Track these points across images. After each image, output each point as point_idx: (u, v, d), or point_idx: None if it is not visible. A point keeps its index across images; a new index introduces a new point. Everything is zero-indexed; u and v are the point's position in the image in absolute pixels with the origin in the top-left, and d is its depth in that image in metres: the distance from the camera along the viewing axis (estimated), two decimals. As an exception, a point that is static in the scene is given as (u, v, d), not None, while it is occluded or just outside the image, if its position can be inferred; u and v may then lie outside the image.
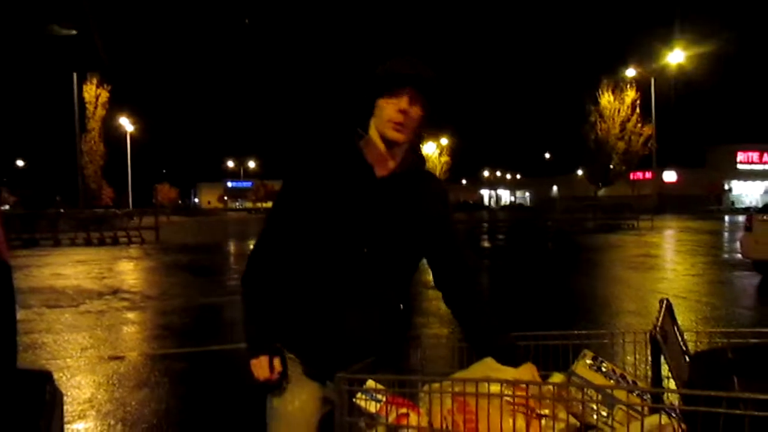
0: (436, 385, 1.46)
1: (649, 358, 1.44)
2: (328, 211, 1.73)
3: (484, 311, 1.82)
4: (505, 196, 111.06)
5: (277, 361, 1.73)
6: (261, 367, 1.72)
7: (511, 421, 1.33)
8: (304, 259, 1.76)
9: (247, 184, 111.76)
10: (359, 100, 1.79)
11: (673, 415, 1.26)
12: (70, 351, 5.93)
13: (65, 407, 4.13)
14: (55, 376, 4.92)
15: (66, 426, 3.82)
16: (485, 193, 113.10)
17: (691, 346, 1.63)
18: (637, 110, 45.19)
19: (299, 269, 1.77)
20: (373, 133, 1.78)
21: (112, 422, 3.96)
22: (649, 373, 1.48)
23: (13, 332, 1.87)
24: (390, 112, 1.70)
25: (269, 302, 1.79)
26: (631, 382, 1.48)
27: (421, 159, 1.86)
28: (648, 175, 54.20)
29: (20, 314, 7.69)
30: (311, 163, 1.78)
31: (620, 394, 1.34)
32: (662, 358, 1.34)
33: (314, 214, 1.73)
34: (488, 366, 1.60)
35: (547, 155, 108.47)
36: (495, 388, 1.37)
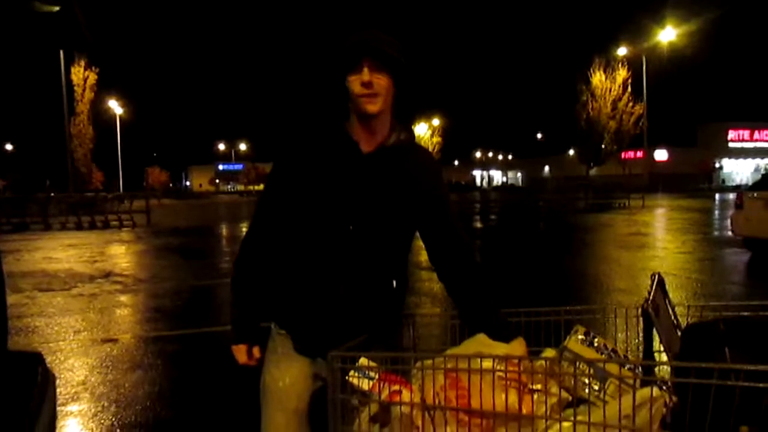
0: (429, 362, 1.46)
1: (641, 333, 1.45)
2: (314, 190, 1.73)
3: (479, 287, 1.80)
4: (497, 176, 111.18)
5: (256, 350, 1.82)
6: (241, 353, 1.81)
7: (503, 396, 1.33)
8: (295, 238, 1.77)
9: (238, 166, 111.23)
10: (330, 83, 1.77)
11: (665, 387, 1.27)
12: (62, 334, 5.92)
13: (59, 390, 4.13)
14: (49, 359, 4.90)
15: (60, 408, 3.82)
16: (477, 174, 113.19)
17: (682, 320, 1.64)
18: (629, 89, 45.18)
19: (291, 248, 1.78)
20: (352, 117, 1.76)
21: (106, 404, 3.97)
22: (641, 347, 1.49)
23: (3, 314, 1.85)
24: (355, 88, 1.68)
25: (257, 287, 1.83)
26: (623, 356, 1.48)
27: (410, 133, 1.83)
28: (639, 154, 54.34)
29: (12, 298, 7.69)
30: (299, 143, 1.79)
31: (612, 368, 1.34)
32: (654, 331, 1.34)
33: (302, 193, 1.73)
34: (480, 342, 1.60)
35: (539, 135, 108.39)
36: (487, 363, 1.37)
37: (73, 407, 3.93)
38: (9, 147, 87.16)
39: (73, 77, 39.35)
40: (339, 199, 1.72)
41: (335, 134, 1.76)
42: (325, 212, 1.73)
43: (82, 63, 39.94)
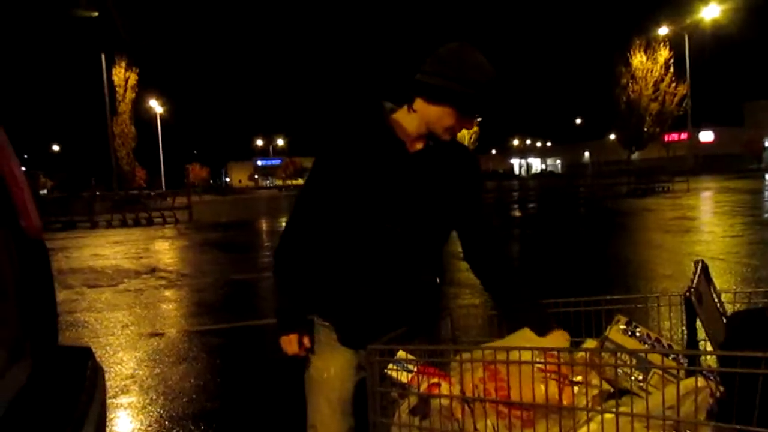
0: (467, 355, 1.46)
1: (685, 321, 1.42)
2: (359, 187, 1.73)
3: (514, 281, 1.80)
4: (536, 164, 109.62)
5: (306, 339, 1.81)
6: (290, 344, 1.81)
7: (543, 387, 1.32)
8: (338, 234, 1.78)
9: (276, 161, 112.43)
10: (416, 83, 1.71)
11: (711, 377, 1.24)
12: (111, 329, 6.10)
13: (109, 383, 4.27)
14: (98, 353, 5.06)
15: (110, 400, 3.95)
16: (515, 162, 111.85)
17: (729, 307, 1.59)
18: (671, 69, 43.85)
19: (333, 243, 1.79)
20: (417, 116, 1.73)
21: (154, 396, 4.08)
22: (685, 337, 1.45)
23: (53, 309, 1.92)
24: (452, 123, 1.70)
25: (301, 277, 1.82)
26: (667, 346, 1.45)
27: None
28: (683, 136, 52.85)
29: (62, 294, 7.96)
30: (343, 139, 1.78)
31: (655, 358, 1.31)
32: (697, 320, 1.31)
33: (346, 190, 1.74)
34: (523, 337, 1.60)
35: (578, 120, 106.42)
36: (526, 355, 1.36)
37: (122, 399, 4.05)
38: (56, 148, 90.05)
39: (115, 78, 40.33)
40: (384, 197, 1.73)
41: (381, 132, 1.76)
42: (370, 210, 1.74)
43: (123, 64, 40.88)
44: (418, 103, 1.72)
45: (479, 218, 1.87)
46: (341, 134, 1.79)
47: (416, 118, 1.73)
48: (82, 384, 1.72)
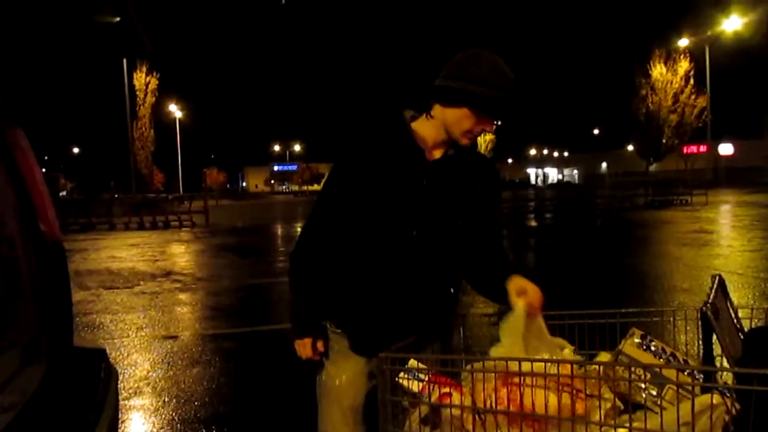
0: (479, 365, 1.45)
1: (701, 337, 1.40)
2: (378, 194, 1.73)
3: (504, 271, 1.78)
4: (553, 174, 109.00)
5: (320, 343, 1.80)
6: (305, 348, 1.80)
7: (555, 399, 1.30)
8: (355, 239, 1.78)
9: (293, 167, 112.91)
10: (433, 88, 1.73)
11: (726, 394, 1.22)
12: (126, 331, 6.15)
13: (122, 384, 4.30)
14: (113, 354, 5.09)
15: (123, 402, 3.97)
16: (531, 171, 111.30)
17: (746, 323, 1.57)
18: (691, 81, 43.44)
19: (350, 248, 1.79)
20: (435, 121, 1.74)
21: (167, 399, 4.10)
22: (701, 352, 1.43)
23: (69, 311, 1.94)
24: (471, 126, 1.70)
25: (317, 280, 1.81)
26: (682, 361, 1.43)
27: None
28: (702, 148, 52.19)
29: (79, 295, 8.03)
30: (364, 146, 1.78)
31: (670, 373, 1.30)
32: (714, 335, 1.29)
33: (365, 196, 1.74)
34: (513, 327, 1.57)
35: (596, 131, 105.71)
36: (539, 367, 1.35)
37: (135, 401, 4.07)
38: (76, 150, 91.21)
39: (136, 83, 40.86)
40: (403, 205, 1.73)
41: (401, 140, 1.76)
42: (389, 217, 1.74)
43: (144, 69, 41.41)
44: (436, 109, 1.73)
45: (493, 226, 1.88)
46: (362, 141, 1.79)
47: (435, 124, 1.74)
48: (96, 385, 1.74)
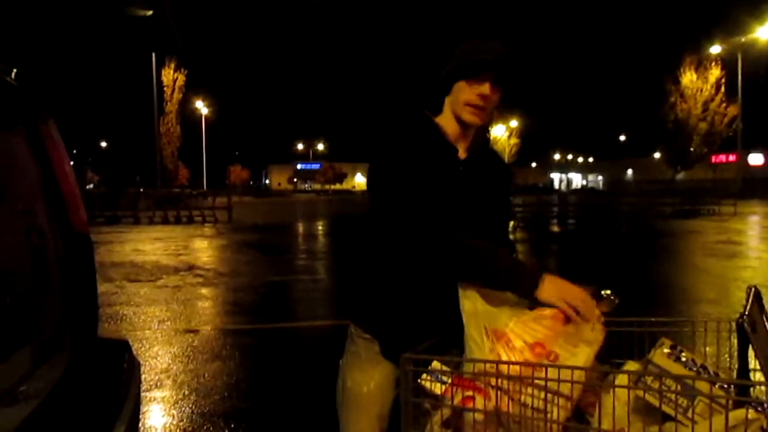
0: (504, 367, 1.43)
1: (733, 349, 1.36)
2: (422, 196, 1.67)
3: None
4: (576, 179, 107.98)
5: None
6: (579, 293, 1.55)
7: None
8: (390, 241, 1.71)
9: (316, 165, 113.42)
10: (436, 82, 1.75)
11: (760, 409, 1.18)
12: (148, 323, 6.21)
13: (143, 376, 4.34)
14: (135, 346, 5.13)
15: (144, 394, 4.01)
16: (555, 176, 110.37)
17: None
18: (722, 89, 42.69)
19: (384, 250, 1.75)
20: (446, 115, 1.75)
21: (186, 392, 4.13)
22: (733, 364, 1.39)
23: (95, 302, 1.96)
24: (469, 96, 1.67)
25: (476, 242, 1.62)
26: (713, 373, 1.39)
27: (487, 138, 1.85)
28: (731, 157, 51.32)
29: (103, 287, 8.15)
30: (402, 148, 1.70)
31: (702, 386, 1.26)
32: (749, 348, 1.25)
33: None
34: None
35: (622, 137, 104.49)
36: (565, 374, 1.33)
37: (156, 393, 4.11)
38: (103, 144, 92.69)
39: (164, 79, 41.41)
40: (441, 205, 1.67)
41: (435, 140, 1.74)
42: (427, 218, 1.67)
43: (172, 65, 41.95)
44: (445, 103, 1.74)
45: (504, 223, 1.93)
46: (401, 144, 1.72)
47: (448, 117, 1.74)
48: (120, 376, 1.75)
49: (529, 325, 1.49)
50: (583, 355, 1.43)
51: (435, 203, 1.63)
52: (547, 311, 1.52)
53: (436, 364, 1.47)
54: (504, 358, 1.43)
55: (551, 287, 1.53)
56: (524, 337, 1.46)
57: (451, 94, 1.71)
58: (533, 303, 1.55)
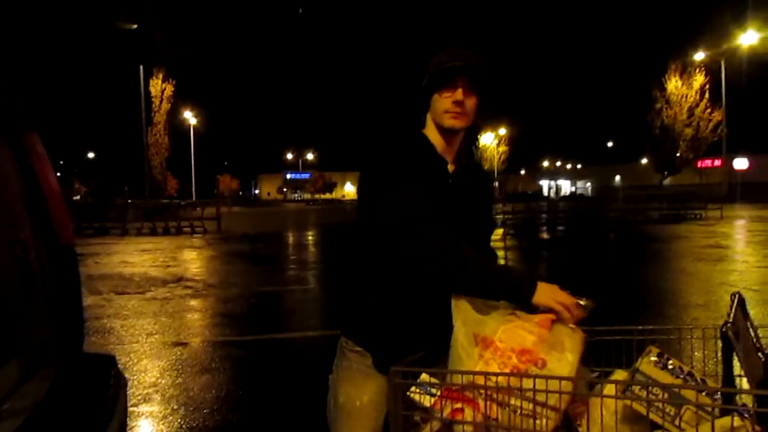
0: (493, 379, 1.43)
1: (720, 356, 1.36)
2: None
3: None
4: (566, 186, 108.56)
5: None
6: (558, 293, 1.58)
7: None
8: (382, 254, 1.72)
9: (306, 175, 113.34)
10: (414, 98, 1.80)
11: (747, 416, 1.19)
12: (136, 336, 6.16)
13: (131, 390, 4.30)
14: (122, 360, 5.09)
15: (131, 409, 3.97)
16: (544, 183, 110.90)
17: (765, 342, 1.54)
18: (707, 95, 43.20)
19: (376, 263, 1.75)
20: (431, 129, 1.79)
21: (175, 406, 4.09)
22: (720, 370, 1.40)
23: (80, 316, 1.94)
24: (445, 104, 1.72)
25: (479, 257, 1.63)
26: (700, 380, 1.40)
27: (472, 150, 1.89)
28: (717, 162, 51.80)
29: (90, 300, 8.07)
30: (397, 159, 1.72)
31: (689, 394, 1.27)
32: (734, 355, 1.26)
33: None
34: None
35: (610, 143, 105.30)
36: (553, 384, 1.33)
37: (144, 408, 4.07)
38: (91, 155, 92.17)
39: (152, 89, 41.28)
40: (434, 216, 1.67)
41: (425, 151, 1.77)
42: None
43: (160, 76, 41.81)
44: (428, 117, 1.79)
45: (489, 234, 1.95)
46: (394, 156, 1.73)
47: (432, 128, 1.79)
48: (105, 392, 1.73)
49: (516, 332, 1.49)
50: (568, 361, 1.44)
51: (432, 214, 1.64)
52: (536, 318, 1.53)
53: (425, 377, 1.47)
54: (493, 365, 1.43)
55: (546, 290, 1.57)
56: (512, 345, 1.46)
57: (430, 109, 1.77)
58: (525, 308, 1.56)
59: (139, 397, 4.25)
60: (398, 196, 1.64)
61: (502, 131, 72.49)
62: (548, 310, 1.54)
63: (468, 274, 1.57)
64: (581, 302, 1.58)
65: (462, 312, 1.56)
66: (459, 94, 1.69)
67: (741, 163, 59.85)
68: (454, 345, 1.53)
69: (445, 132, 1.76)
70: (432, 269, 1.60)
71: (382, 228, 1.66)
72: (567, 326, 1.52)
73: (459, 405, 1.40)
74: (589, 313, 1.58)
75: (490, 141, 72.00)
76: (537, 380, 1.31)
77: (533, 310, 1.56)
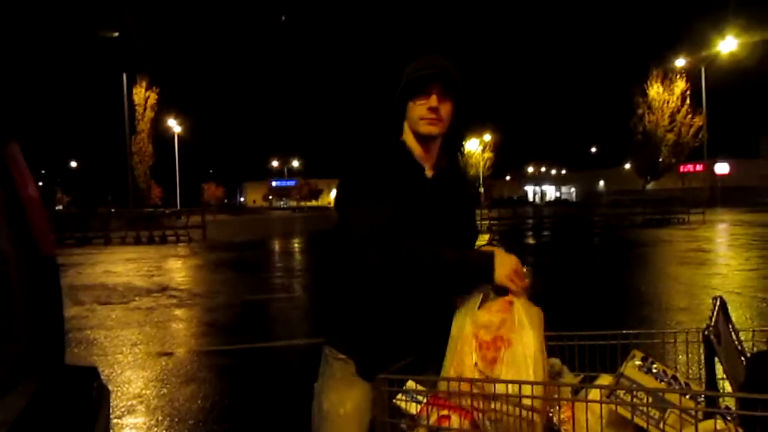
0: (478, 385, 1.43)
1: (702, 359, 1.38)
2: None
3: None
4: (550, 191, 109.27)
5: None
6: (510, 261, 1.60)
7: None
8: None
9: (292, 182, 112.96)
10: (390, 106, 1.82)
11: (730, 419, 1.20)
12: (120, 347, 6.09)
13: (115, 402, 4.25)
14: (106, 371, 5.03)
15: (115, 421, 3.92)
16: (530, 189, 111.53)
17: (747, 345, 1.55)
18: (687, 101, 43.77)
19: (360, 272, 1.74)
20: (408, 136, 1.82)
21: (160, 417, 4.04)
22: (703, 374, 1.41)
23: (61, 328, 1.91)
24: (420, 111, 1.74)
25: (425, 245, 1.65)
26: (684, 384, 1.41)
27: (455, 156, 1.93)
28: (699, 167, 52.45)
29: (73, 310, 7.98)
30: (369, 163, 1.76)
31: (672, 397, 1.27)
32: (717, 358, 1.27)
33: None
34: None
35: (594, 149, 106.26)
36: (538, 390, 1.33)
37: (128, 420, 4.02)
38: (74, 164, 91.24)
39: (135, 97, 40.93)
40: (410, 224, 1.70)
41: (401, 157, 1.79)
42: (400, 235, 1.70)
43: (144, 84, 41.51)
44: (405, 126, 1.81)
45: (473, 236, 1.95)
46: (365, 157, 1.78)
47: (409, 135, 1.81)
48: (88, 405, 1.70)
49: (483, 320, 1.51)
50: (530, 337, 1.45)
51: (398, 219, 1.65)
52: (494, 306, 1.54)
53: (411, 384, 1.47)
54: (479, 363, 1.44)
55: (502, 265, 1.59)
56: (486, 338, 1.47)
57: (407, 117, 1.79)
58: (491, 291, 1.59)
59: (123, 409, 4.19)
60: (359, 211, 1.67)
61: (487, 137, 72.84)
62: (505, 291, 1.56)
63: (425, 266, 1.61)
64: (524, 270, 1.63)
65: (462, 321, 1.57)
66: (433, 100, 1.72)
67: (722, 168, 60.75)
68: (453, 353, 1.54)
69: (422, 138, 1.78)
70: (390, 281, 1.65)
71: (344, 242, 1.72)
72: (523, 302, 1.53)
73: (446, 412, 1.40)
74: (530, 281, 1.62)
75: (476, 147, 72.34)
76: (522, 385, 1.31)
77: (500, 291, 1.58)
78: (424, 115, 1.73)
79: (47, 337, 1.80)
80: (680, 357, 1.65)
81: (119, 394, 4.48)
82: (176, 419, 4.00)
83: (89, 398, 1.75)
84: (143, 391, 4.61)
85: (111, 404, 2.09)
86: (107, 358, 5.58)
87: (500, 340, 1.45)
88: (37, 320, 1.78)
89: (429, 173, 1.81)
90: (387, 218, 1.64)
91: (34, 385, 1.71)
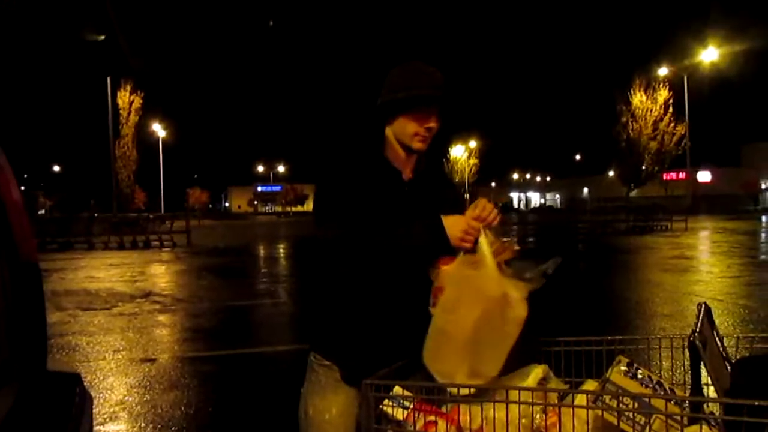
0: (465, 392, 1.43)
1: (687, 365, 1.39)
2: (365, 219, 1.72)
3: None
4: (535, 198, 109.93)
5: None
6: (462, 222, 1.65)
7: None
8: (342, 266, 1.76)
9: (277, 188, 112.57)
10: (376, 111, 1.81)
11: (715, 424, 1.21)
12: (102, 353, 6.02)
13: (97, 409, 4.19)
14: (88, 377, 4.98)
15: (98, 428, 3.86)
16: (514, 195, 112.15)
17: (731, 351, 1.57)
18: (670, 109, 44.29)
19: (337, 275, 1.78)
20: (388, 143, 1.82)
21: (143, 424, 4.00)
22: (688, 380, 1.42)
23: (43, 334, 1.89)
24: (417, 129, 1.74)
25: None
26: (668, 389, 1.42)
27: (437, 158, 1.94)
28: (681, 175, 53.10)
29: (55, 316, 7.88)
30: (345, 168, 1.78)
31: (658, 403, 1.28)
32: (701, 364, 1.28)
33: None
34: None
35: (578, 156, 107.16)
36: (526, 395, 1.33)
37: (110, 427, 3.97)
38: (56, 168, 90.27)
39: (119, 101, 40.59)
40: (387, 223, 1.71)
41: (378, 162, 1.79)
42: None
43: (128, 88, 41.20)
44: (387, 130, 1.80)
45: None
46: (341, 162, 1.80)
47: (390, 141, 1.81)
48: (70, 411, 1.68)
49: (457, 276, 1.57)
50: (489, 268, 1.58)
51: (370, 219, 1.68)
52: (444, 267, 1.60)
53: (397, 389, 1.46)
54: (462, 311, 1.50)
55: (452, 226, 1.64)
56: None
57: (393, 125, 1.77)
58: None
59: (106, 416, 4.14)
60: (322, 189, 1.75)
61: (473, 144, 73.22)
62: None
63: (383, 248, 1.67)
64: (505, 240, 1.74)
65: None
66: (433, 121, 1.74)
67: (704, 176, 61.50)
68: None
69: (409, 151, 1.79)
70: (344, 253, 1.72)
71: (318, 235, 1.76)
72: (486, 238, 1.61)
73: (432, 417, 1.39)
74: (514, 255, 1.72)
75: (461, 153, 72.67)
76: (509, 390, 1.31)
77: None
78: (419, 132, 1.74)
79: (29, 343, 1.78)
80: (665, 363, 1.66)
81: (102, 400, 4.43)
82: (159, 426, 3.95)
83: (71, 404, 1.73)
84: (126, 398, 4.55)
85: (93, 411, 2.07)
86: (90, 364, 5.52)
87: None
88: (18, 326, 1.75)
89: (408, 176, 1.82)
90: (343, 192, 1.70)
91: (16, 390, 1.68)
